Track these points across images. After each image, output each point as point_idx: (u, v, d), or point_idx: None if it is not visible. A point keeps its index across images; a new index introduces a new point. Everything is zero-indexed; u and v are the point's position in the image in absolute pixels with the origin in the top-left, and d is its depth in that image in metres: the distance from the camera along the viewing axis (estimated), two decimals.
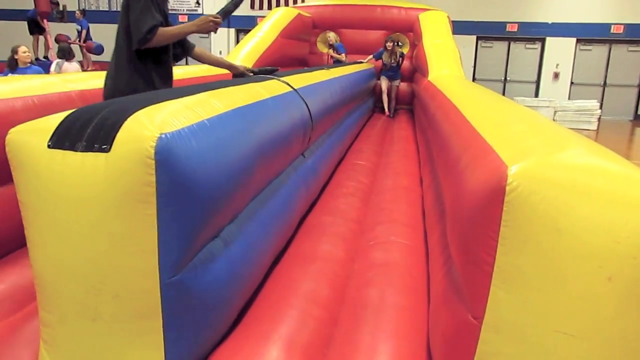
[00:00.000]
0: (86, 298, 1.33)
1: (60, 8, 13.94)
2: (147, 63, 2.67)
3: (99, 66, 11.21)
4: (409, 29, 9.10)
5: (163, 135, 1.25)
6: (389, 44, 8.37)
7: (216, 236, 1.64)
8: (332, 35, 8.89)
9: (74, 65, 8.72)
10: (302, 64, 8.88)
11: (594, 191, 1.07)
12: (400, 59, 8.48)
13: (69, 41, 11.38)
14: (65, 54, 8.69)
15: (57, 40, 10.58)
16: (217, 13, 2.89)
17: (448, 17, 8.81)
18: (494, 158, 1.27)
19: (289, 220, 2.53)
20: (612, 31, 13.49)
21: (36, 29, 11.78)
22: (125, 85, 2.60)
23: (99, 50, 11.56)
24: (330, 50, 8.83)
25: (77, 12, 12.73)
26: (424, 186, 3.51)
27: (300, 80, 3.15)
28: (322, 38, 9.48)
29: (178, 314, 1.39)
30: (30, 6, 11.74)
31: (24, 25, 11.99)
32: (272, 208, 2.22)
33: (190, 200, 1.35)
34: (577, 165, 1.14)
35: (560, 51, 13.92)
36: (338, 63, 8.34)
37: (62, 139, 1.27)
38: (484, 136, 1.57)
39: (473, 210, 1.26)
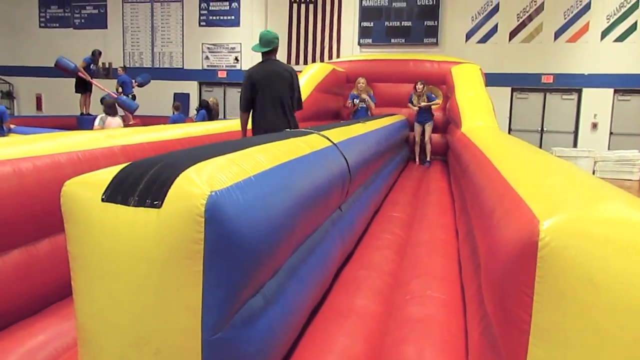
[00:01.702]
0: (128, 353, 1.33)
1: (106, 65, 14.70)
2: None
3: (139, 120, 11.63)
4: (442, 82, 9.21)
5: (213, 193, 1.28)
6: (419, 86, 8.54)
7: (257, 292, 1.64)
8: (362, 81, 8.82)
9: (116, 120, 9.09)
10: (336, 116, 9.04)
11: (630, 245, 1.05)
12: (428, 100, 8.60)
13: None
14: (110, 109, 9.08)
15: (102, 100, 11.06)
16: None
17: (480, 69, 8.89)
18: (526, 212, 1.26)
19: (325, 274, 2.53)
20: None
21: (83, 88, 12.42)
22: (295, 124, 4.78)
23: (131, 106, 11.99)
24: (364, 96, 8.67)
25: (119, 68, 13.47)
26: (460, 238, 3.48)
27: (339, 134, 3.21)
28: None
29: None
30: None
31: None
32: (309, 262, 2.23)
33: (235, 256, 1.36)
34: (612, 218, 1.12)
35: (597, 101, 13.75)
36: (363, 111, 8.41)
37: (115, 193, 1.31)
38: (517, 189, 1.56)
39: (506, 265, 1.24)
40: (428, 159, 8.60)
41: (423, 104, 8.55)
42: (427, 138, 8.64)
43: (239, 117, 4.87)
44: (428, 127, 8.67)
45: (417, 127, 8.72)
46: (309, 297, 2.20)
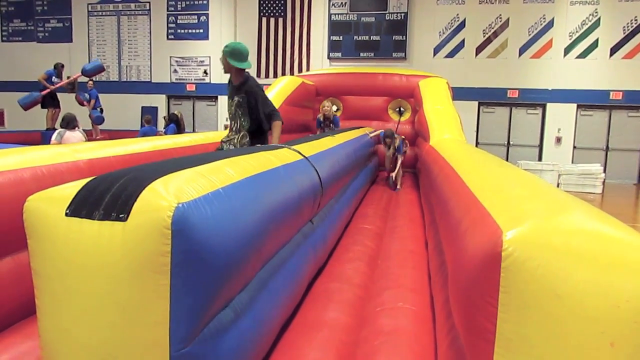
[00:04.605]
0: None
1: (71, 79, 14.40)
2: None
3: (107, 135, 11.46)
4: (410, 95, 9.33)
5: (180, 205, 1.26)
6: (388, 140, 7.74)
7: (226, 306, 1.62)
8: (326, 104, 8.57)
9: (77, 134, 8.81)
10: (306, 129, 9.06)
11: (591, 255, 1.07)
12: (399, 150, 7.82)
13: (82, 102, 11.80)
14: (68, 123, 8.80)
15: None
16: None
17: (447, 83, 9.05)
18: (490, 223, 1.28)
19: (296, 287, 2.52)
20: (611, 97, 13.78)
21: (49, 103, 12.13)
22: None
23: (99, 120, 12.03)
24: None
25: (89, 82, 13.22)
26: (429, 250, 3.51)
27: (310, 148, 3.22)
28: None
29: None
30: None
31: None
32: (281, 275, 2.22)
33: (203, 269, 1.35)
34: (574, 229, 1.14)
35: (561, 116, 14.14)
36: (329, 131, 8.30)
37: (79, 208, 1.28)
38: (482, 201, 1.58)
39: (472, 276, 1.25)
40: (398, 186, 8.14)
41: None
42: (397, 166, 7.70)
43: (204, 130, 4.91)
44: (398, 160, 7.76)
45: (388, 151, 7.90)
46: (280, 311, 2.19)
